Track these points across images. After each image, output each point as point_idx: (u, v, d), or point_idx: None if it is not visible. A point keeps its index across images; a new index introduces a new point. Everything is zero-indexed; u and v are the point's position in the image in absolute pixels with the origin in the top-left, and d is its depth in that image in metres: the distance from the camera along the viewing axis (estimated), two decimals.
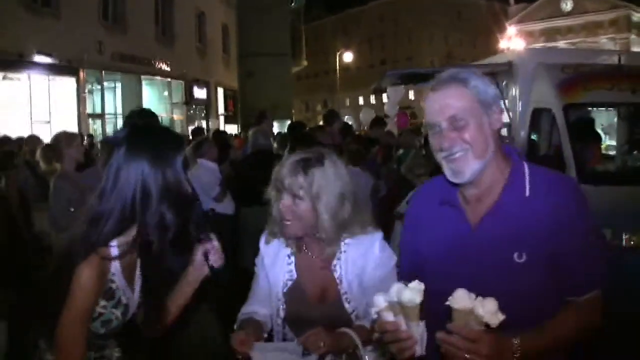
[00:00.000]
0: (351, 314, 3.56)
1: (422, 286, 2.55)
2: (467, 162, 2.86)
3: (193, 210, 3.24)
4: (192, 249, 3.34)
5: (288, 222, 3.53)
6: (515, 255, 2.83)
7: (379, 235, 3.65)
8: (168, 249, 3.10)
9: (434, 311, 2.55)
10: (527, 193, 2.90)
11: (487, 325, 2.44)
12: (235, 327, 3.68)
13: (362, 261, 3.57)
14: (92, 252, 2.87)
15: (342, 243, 3.61)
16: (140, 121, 5.68)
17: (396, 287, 2.60)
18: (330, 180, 3.51)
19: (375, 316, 2.67)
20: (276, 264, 3.77)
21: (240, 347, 3.30)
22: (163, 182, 3.00)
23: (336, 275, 3.60)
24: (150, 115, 6.68)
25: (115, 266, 3.01)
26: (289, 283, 3.69)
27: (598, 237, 3.01)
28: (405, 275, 3.26)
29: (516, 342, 2.63)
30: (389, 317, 2.61)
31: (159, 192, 2.99)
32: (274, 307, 3.71)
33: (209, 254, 3.32)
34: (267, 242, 3.83)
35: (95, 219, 2.97)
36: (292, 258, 3.75)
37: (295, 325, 3.62)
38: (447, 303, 2.45)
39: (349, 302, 3.58)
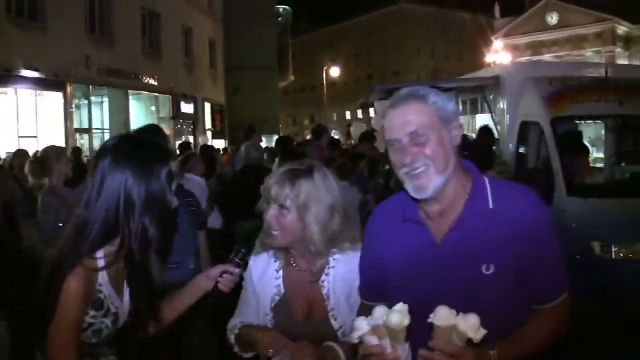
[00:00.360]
0: (337, 330, 3.53)
1: (406, 307, 2.59)
2: (429, 177, 2.88)
3: (175, 222, 3.29)
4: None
5: (274, 232, 3.52)
6: (484, 267, 2.87)
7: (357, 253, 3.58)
8: (151, 259, 3.14)
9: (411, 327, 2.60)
10: (491, 205, 2.95)
11: (469, 341, 2.48)
12: (232, 337, 3.67)
13: (351, 277, 3.53)
14: (78, 263, 2.88)
15: (331, 258, 3.59)
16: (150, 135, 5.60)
17: (380, 310, 2.64)
18: (320, 191, 3.50)
19: (356, 341, 2.69)
20: (264, 278, 3.74)
21: (275, 342, 3.32)
22: (147, 194, 3.01)
23: (324, 291, 3.58)
24: (156, 131, 6.72)
25: (103, 276, 3.02)
26: (277, 298, 3.67)
27: (560, 245, 3.04)
28: (366, 294, 3.35)
29: (493, 353, 2.71)
30: (373, 340, 2.64)
31: (142, 203, 3.00)
32: (261, 321, 3.67)
33: (224, 275, 3.41)
34: (255, 255, 3.80)
35: (81, 228, 2.99)
36: (280, 272, 3.72)
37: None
38: (429, 320, 2.49)
39: (335, 319, 3.54)
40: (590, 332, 7.56)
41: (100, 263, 2.99)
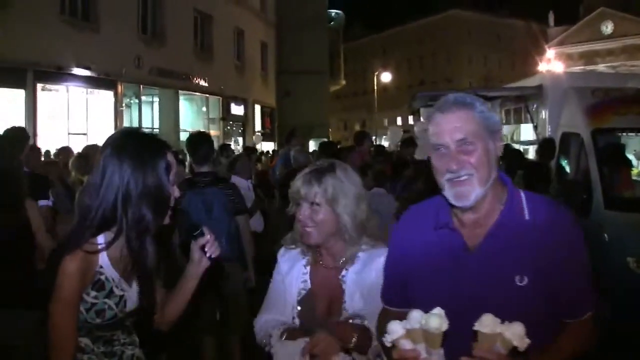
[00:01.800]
0: None
1: (443, 312, 2.54)
2: (472, 186, 2.85)
3: (170, 211, 3.38)
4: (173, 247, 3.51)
5: (309, 229, 3.64)
6: (517, 278, 2.82)
7: (381, 251, 3.63)
8: (148, 245, 3.27)
9: None
10: (527, 217, 2.91)
11: (512, 349, 2.45)
12: (267, 337, 3.70)
13: (369, 275, 3.62)
14: (77, 247, 3.05)
15: (356, 255, 3.69)
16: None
17: (417, 314, 2.58)
18: (344, 184, 3.67)
19: (389, 344, 2.63)
20: (292, 272, 3.86)
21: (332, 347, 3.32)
22: (143, 184, 3.16)
23: (343, 286, 3.67)
24: (205, 137, 7.85)
25: (103, 258, 3.16)
26: (303, 292, 3.78)
27: (589, 263, 3.00)
28: (390, 299, 3.33)
29: None
30: (407, 345, 2.58)
31: (138, 193, 3.15)
32: (289, 314, 3.77)
33: (206, 247, 3.42)
34: (285, 250, 3.97)
35: (83, 216, 3.18)
36: (308, 268, 3.83)
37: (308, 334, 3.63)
38: (475, 328, 2.46)
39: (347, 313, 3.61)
40: (625, 347, 7.47)
41: (99, 246, 3.14)
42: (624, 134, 12.00)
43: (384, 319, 3.19)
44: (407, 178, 11.61)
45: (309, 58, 53.49)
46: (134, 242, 3.21)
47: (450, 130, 2.87)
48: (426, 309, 2.60)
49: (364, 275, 3.62)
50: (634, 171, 12.07)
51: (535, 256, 2.82)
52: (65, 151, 12.88)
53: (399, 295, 3.24)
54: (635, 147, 13.61)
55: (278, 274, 3.94)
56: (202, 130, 37.49)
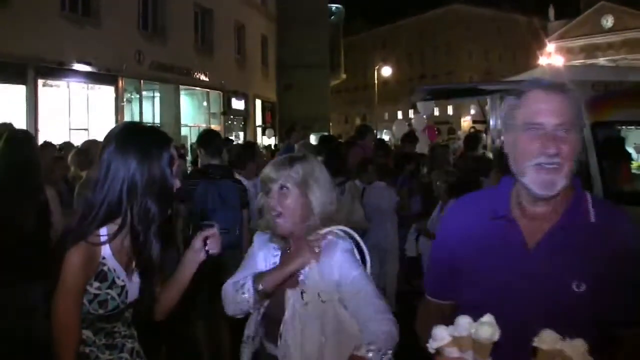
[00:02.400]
0: None
1: (494, 320, 2.35)
2: (561, 175, 2.64)
3: (174, 204, 3.48)
4: (177, 238, 3.54)
5: (278, 218, 3.64)
6: (574, 284, 2.65)
7: (344, 246, 3.64)
8: (153, 237, 3.29)
9: None
10: (593, 219, 2.74)
11: None
12: (245, 291, 3.67)
13: (329, 270, 3.57)
14: (81, 239, 3.09)
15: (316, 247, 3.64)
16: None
17: (465, 320, 2.38)
18: (316, 171, 3.70)
19: (433, 351, 2.44)
20: (263, 254, 3.90)
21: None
22: (148, 177, 3.20)
23: (300, 277, 3.63)
24: (214, 134, 8.94)
25: (106, 250, 3.20)
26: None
27: None
28: (434, 290, 3.22)
29: None
30: (454, 352, 2.39)
31: (143, 185, 3.19)
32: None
33: (208, 240, 3.45)
34: (259, 236, 4.01)
35: (88, 209, 3.21)
36: (278, 253, 3.86)
37: (269, 320, 3.74)
38: (534, 344, 2.31)
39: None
40: None
41: (103, 239, 3.18)
42: (624, 127, 11.99)
43: (425, 311, 3.19)
44: (409, 172, 11.66)
45: (309, 52, 53.29)
46: (141, 235, 3.25)
47: (550, 110, 2.67)
48: (472, 307, 2.47)
49: (324, 267, 3.57)
50: (634, 164, 12.06)
51: (597, 262, 2.64)
52: (68, 146, 12.90)
53: (444, 287, 3.11)
54: (636, 140, 13.62)
55: (251, 251, 3.99)
56: (203, 125, 37.68)
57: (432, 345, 2.42)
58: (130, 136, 3.30)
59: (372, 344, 3.23)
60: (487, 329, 2.31)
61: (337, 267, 3.54)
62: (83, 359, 3.22)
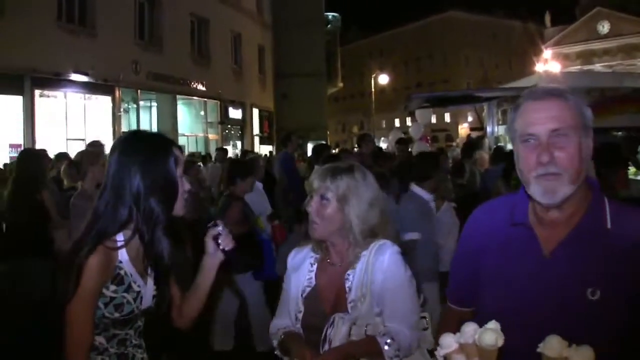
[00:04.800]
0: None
1: (499, 326, 2.34)
2: (561, 183, 2.61)
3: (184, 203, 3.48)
4: (186, 240, 3.55)
5: (315, 224, 3.72)
6: (589, 291, 2.58)
7: (395, 249, 3.69)
8: (161, 237, 3.34)
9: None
10: (609, 225, 2.66)
11: None
12: (275, 340, 3.88)
13: (376, 276, 3.62)
14: (99, 244, 3.16)
15: (362, 254, 3.70)
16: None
17: (471, 327, 2.40)
18: (359, 186, 3.72)
19: (441, 358, 2.45)
20: (300, 271, 3.94)
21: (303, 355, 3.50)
22: (152, 180, 3.26)
23: (347, 284, 3.69)
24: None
25: (122, 255, 3.29)
26: (307, 289, 3.84)
27: None
28: (456, 298, 3.22)
29: None
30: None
31: (147, 189, 3.25)
32: (292, 313, 3.85)
33: (219, 239, 3.47)
34: (294, 256, 4.05)
35: (97, 216, 3.26)
36: (315, 266, 3.89)
37: (309, 331, 3.75)
38: (539, 350, 2.29)
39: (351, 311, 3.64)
40: None
41: (119, 243, 3.27)
42: (620, 133, 12.00)
43: (447, 318, 3.18)
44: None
45: (306, 61, 53.51)
46: (146, 235, 3.31)
47: (544, 119, 2.65)
48: (490, 314, 2.44)
49: (369, 275, 3.63)
50: (631, 171, 12.07)
51: (612, 269, 2.58)
52: (61, 157, 12.94)
53: (465, 294, 3.11)
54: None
55: (287, 276, 4.03)
56: (201, 134, 37.72)
57: (439, 353, 2.44)
58: (133, 143, 3.40)
59: (391, 340, 3.39)
60: (490, 335, 2.31)
61: (385, 267, 3.61)
62: None
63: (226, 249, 3.48)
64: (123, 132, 29.92)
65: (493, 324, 2.34)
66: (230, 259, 3.53)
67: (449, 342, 2.41)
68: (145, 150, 3.33)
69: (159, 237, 3.33)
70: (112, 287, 3.23)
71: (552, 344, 2.27)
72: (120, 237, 3.27)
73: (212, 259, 3.52)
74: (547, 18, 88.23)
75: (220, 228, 3.47)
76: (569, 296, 2.61)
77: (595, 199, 2.75)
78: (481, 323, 2.38)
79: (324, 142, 22.67)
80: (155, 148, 3.37)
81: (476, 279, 2.98)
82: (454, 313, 3.12)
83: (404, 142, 15.54)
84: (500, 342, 2.30)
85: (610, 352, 2.45)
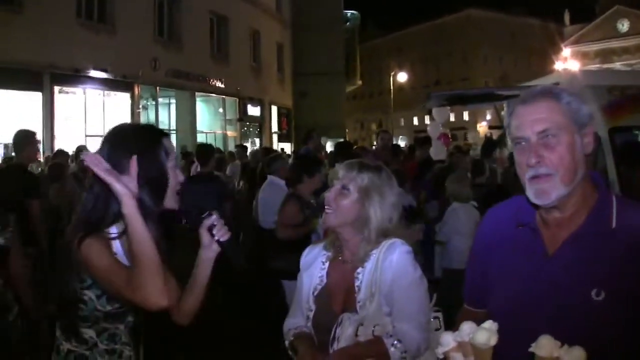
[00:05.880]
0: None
1: (495, 326, 2.40)
2: (552, 183, 2.60)
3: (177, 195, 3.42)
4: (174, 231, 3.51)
5: (329, 211, 3.71)
6: (593, 292, 2.54)
7: (404, 248, 3.67)
8: (150, 229, 3.18)
9: (507, 339, 2.41)
10: (614, 224, 2.62)
11: None
12: (287, 340, 3.84)
13: (385, 275, 3.61)
14: (94, 233, 3.11)
15: (372, 253, 3.68)
16: None
17: (468, 326, 2.47)
18: (384, 185, 3.72)
19: (441, 356, 2.52)
20: (311, 270, 3.91)
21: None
22: (142, 172, 3.17)
23: (357, 283, 3.67)
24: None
25: (117, 246, 3.20)
26: (319, 287, 3.82)
27: None
28: (469, 299, 3.23)
29: None
30: (458, 358, 2.48)
31: (137, 181, 3.17)
32: (304, 311, 3.84)
33: (213, 230, 3.35)
34: (307, 253, 4.03)
35: (88, 209, 3.23)
36: (327, 264, 3.86)
37: (319, 331, 3.74)
38: (531, 349, 2.28)
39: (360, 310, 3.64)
40: None
41: (113, 235, 3.20)
42: None
43: (462, 319, 3.11)
44: (433, 177, 11.66)
45: (325, 59, 53.41)
46: None
47: (531, 121, 2.66)
48: (499, 315, 2.52)
49: (378, 274, 3.61)
50: None
51: (617, 269, 2.54)
52: (80, 153, 13.00)
53: (477, 295, 3.11)
54: None
55: (299, 275, 4.00)
56: (219, 131, 37.79)
57: (439, 351, 2.51)
58: (121, 136, 3.32)
59: (398, 341, 3.37)
60: (483, 334, 2.36)
61: (394, 266, 3.59)
62: None
63: (221, 239, 3.35)
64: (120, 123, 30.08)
65: (488, 324, 2.39)
66: (226, 251, 3.40)
67: (447, 340, 2.48)
68: (135, 142, 3.28)
69: (150, 230, 3.17)
70: None
71: (543, 343, 2.27)
72: (114, 230, 3.22)
73: (208, 252, 3.41)
74: (566, 16, 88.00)
75: (214, 217, 3.35)
76: (573, 296, 2.59)
77: (601, 197, 2.72)
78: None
79: (347, 140, 22.69)
80: (144, 139, 3.32)
81: (485, 279, 3.01)
82: (469, 314, 3.09)
83: (423, 142, 15.46)
84: (493, 342, 2.34)
85: (614, 352, 2.46)
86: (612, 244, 2.57)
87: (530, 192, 2.67)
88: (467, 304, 3.24)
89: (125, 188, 2.99)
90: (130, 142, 3.25)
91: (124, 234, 3.18)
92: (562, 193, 2.60)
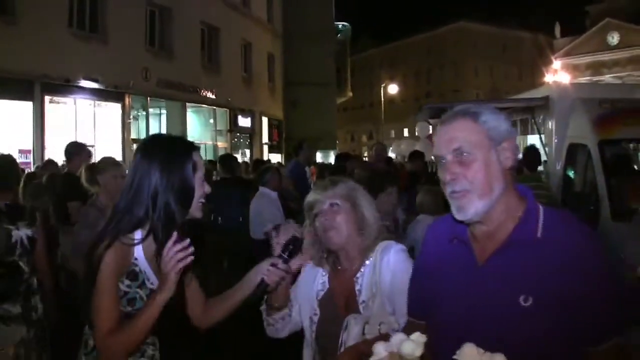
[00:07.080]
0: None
1: (423, 339, 2.55)
2: (469, 199, 2.76)
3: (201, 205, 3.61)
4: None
5: (330, 231, 3.77)
6: (521, 298, 2.66)
7: (399, 247, 3.80)
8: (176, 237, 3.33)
9: (444, 349, 2.57)
10: (539, 234, 2.76)
11: None
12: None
13: (384, 276, 3.71)
14: (115, 240, 3.35)
15: (367, 260, 3.80)
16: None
17: (398, 337, 2.61)
18: (359, 189, 3.93)
19: None
20: (311, 279, 4.01)
21: None
22: (169, 182, 3.40)
23: (357, 287, 3.78)
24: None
25: (138, 251, 3.46)
26: (321, 293, 3.92)
27: (616, 283, 2.81)
28: (411, 311, 3.32)
29: None
30: None
31: (164, 190, 3.39)
32: (308, 315, 3.93)
33: (270, 268, 3.60)
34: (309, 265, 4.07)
35: (117, 214, 3.47)
36: (326, 272, 3.98)
37: (324, 338, 3.81)
38: (454, 357, 2.41)
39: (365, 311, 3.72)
40: None
41: (135, 241, 3.44)
42: (632, 144, 11.95)
43: (405, 331, 3.16)
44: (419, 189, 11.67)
45: (316, 70, 53.43)
46: (160, 234, 3.40)
47: (446, 140, 2.83)
48: (437, 327, 2.71)
49: (377, 274, 3.72)
50: None
51: (542, 276, 2.65)
52: (51, 164, 13.05)
53: (418, 307, 3.22)
54: None
55: (301, 278, 4.08)
56: (210, 142, 37.77)
57: None
58: (154, 146, 3.57)
59: None
60: (409, 345, 2.51)
61: (392, 265, 3.70)
62: None
63: (265, 280, 3.58)
64: (132, 139, 30.14)
65: (416, 336, 2.56)
66: (260, 287, 3.62)
67: (379, 350, 2.62)
68: (164, 152, 3.47)
69: (172, 236, 3.35)
70: (127, 282, 3.41)
71: (466, 352, 2.39)
72: (137, 235, 3.43)
73: (255, 277, 3.67)
74: (557, 29, 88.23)
75: (281, 266, 3.61)
76: (502, 303, 2.71)
77: (528, 209, 2.85)
78: (427, 334, 2.62)
79: (344, 152, 22.81)
80: (174, 151, 3.51)
81: (424, 292, 3.15)
82: (412, 326, 3.17)
83: (418, 156, 15.51)
84: (418, 353, 2.49)
85: (542, 354, 2.61)
86: (538, 252, 2.70)
87: (452, 208, 2.84)
88: (410, 316, 3.34)
89: (174, 287, 3.22)
90: (160, 152, 3.46)
91: (146, 238, 3.42)
92: (481, 208, 2.76)
